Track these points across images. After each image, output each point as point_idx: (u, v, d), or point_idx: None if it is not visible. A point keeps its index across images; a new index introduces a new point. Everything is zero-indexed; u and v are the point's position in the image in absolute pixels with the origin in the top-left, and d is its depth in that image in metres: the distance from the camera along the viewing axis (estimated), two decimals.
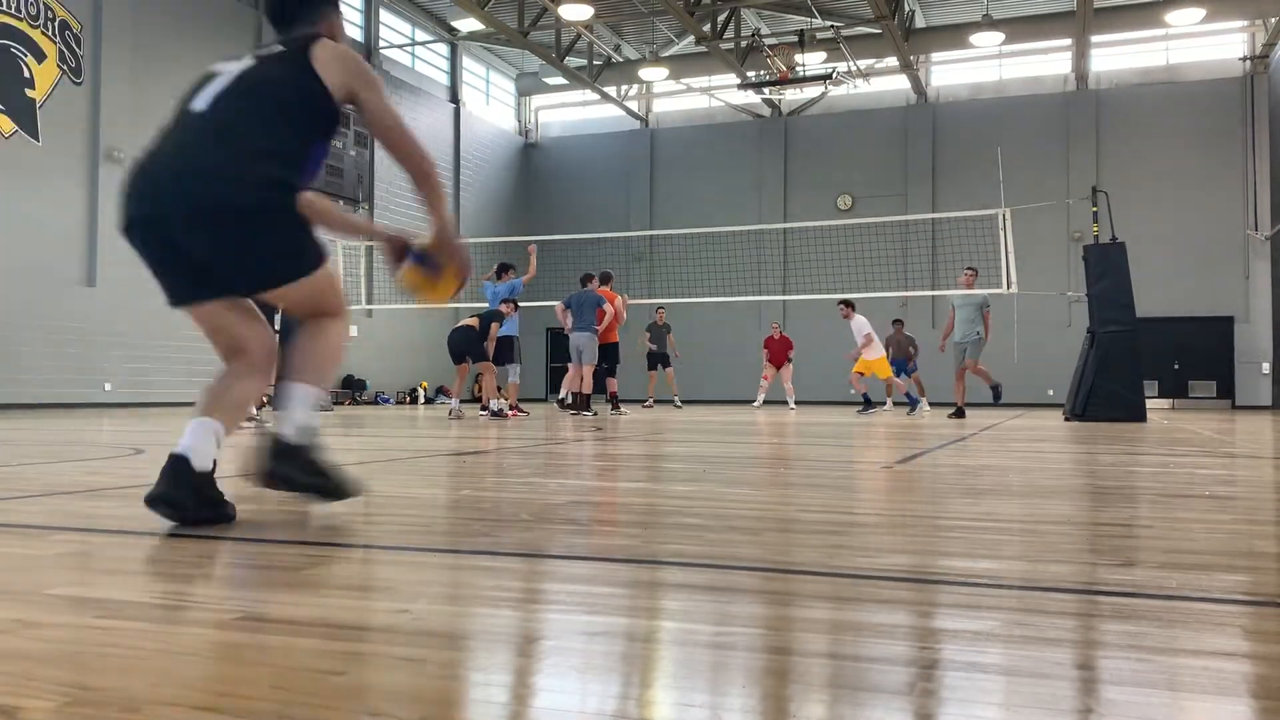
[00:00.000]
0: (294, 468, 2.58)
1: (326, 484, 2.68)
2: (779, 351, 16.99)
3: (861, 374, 15.23)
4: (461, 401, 12.37)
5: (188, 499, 2.39)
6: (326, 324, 2.78)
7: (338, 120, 2.69)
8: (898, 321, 17.15)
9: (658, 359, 16.81)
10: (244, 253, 2.49)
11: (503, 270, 12.46)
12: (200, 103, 2.59)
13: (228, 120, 2.53)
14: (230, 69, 2.69)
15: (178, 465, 2.41)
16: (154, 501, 2.40)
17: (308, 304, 2.75)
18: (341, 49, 2.75)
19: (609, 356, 13.15)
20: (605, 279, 13.36)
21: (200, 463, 2.43)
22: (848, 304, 15.07)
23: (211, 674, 1.19)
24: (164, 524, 2.49)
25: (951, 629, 1.46)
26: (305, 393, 2.68)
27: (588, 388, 12.53)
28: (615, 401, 13.39)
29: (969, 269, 13.04)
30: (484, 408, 11.83)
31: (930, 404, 16.87)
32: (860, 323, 14.97)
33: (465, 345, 11.44)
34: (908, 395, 15.60)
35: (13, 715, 1.02)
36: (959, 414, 12.46)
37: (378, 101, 2.68)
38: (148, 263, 2.55)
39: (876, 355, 15.15)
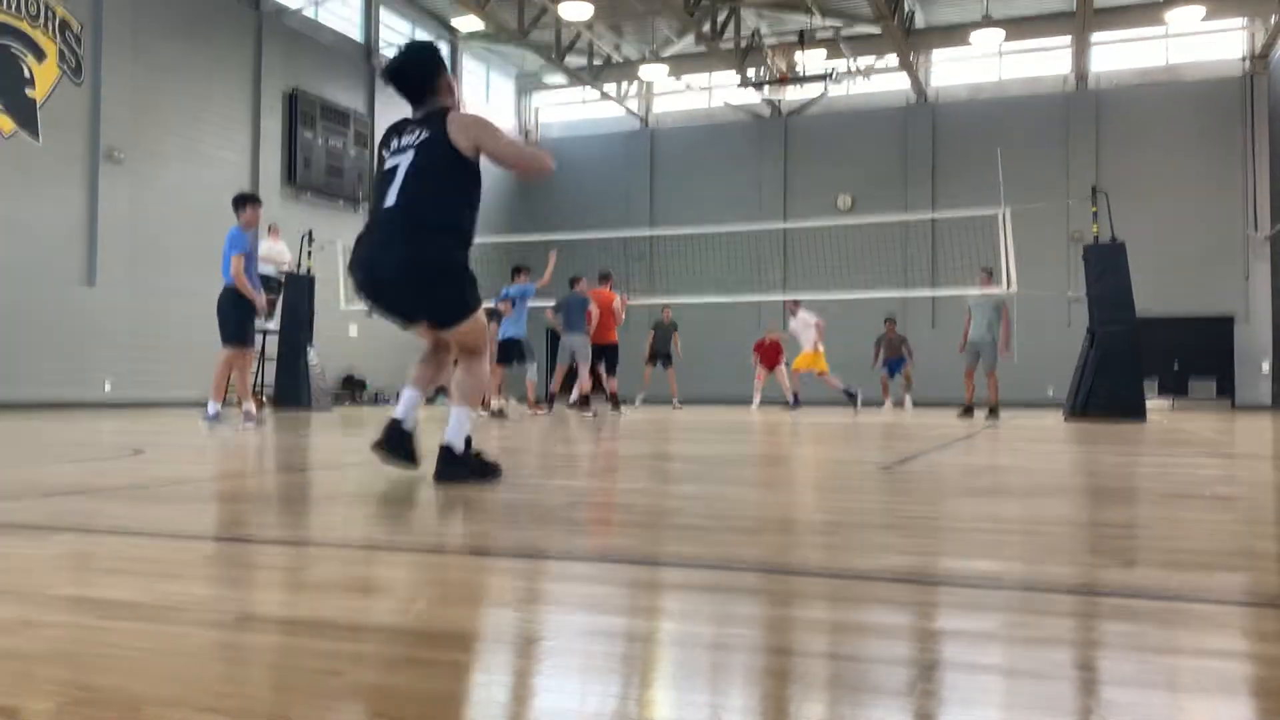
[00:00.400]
0: (458, 470, 3.51)
1: (484, 474, 3.56)
2: (770, 356, 17.01)
3: (798, 370, 15.47)
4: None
5: (463, 474, 3.48)
6: (475, 361, 3.78)
7: (478, 171, 3.71)
8: (889, 320, 17.09)
9: (659, 356, 16.80)
10: (431, 304, 3.67)
11: (516, 272, 12.46)
12: (390, 199, 3.62)
13: (411, 212, 3.59)
14: (403, 162, 3.65)
15: (446, 454, 3.50)
16: (439, 478, 3.47)
17: (467, 339, 3.72)
18: (463, 118, 3.69)
19: (609, 356, 13.13)
20: (604, 278, 13.35)
21: (459, 446, 3.53)
22: (796, 301, 15.78)
23: (211, 674, 1.19)
24: (164, 524, 2.49)
25: (951, 629, 1.46)
26: (463, 413, 3.66)
27: (586, 387, 12.57)
28: (615, 401, 13.38)
29: (984, 269, 13.13)
30: (484, 406, 11.84)
31: (915, 404, 16.86)
32: (805, 317, 15.25)
33: None
34: (846, 392, 15.67)
35: (13, 715, 1.02)
36: (969, 412, 12.50)
37: (493, 145, 3.68)
38: (375, 310, 3.83)
39: (816, 350, 15.49)
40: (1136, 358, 11.53)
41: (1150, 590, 1.72)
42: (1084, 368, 11.68)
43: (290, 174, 19.07)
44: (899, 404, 16.83)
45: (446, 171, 3.63)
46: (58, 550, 2.10)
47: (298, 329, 14.12)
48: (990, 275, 12.93)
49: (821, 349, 15.52)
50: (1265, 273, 21.56)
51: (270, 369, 14.31)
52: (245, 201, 8.24)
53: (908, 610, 1.59)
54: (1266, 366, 21.34)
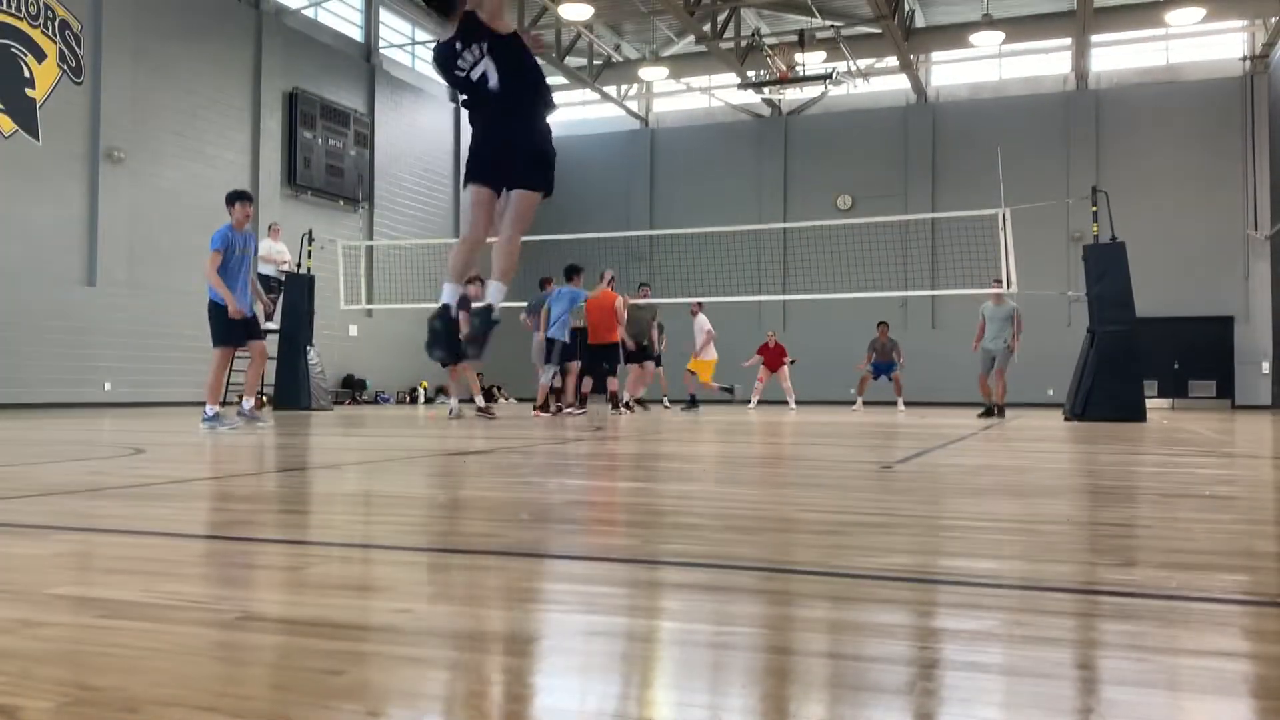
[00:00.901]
0: (483, 320, 4.33)
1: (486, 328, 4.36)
2: (774, 358, 17.12)
3: (693, 373, 15.61)
4: (461, 401, 12.37)
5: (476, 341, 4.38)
6: (518, 238, 4.68)
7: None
8: (882, 324, 17.11)
9: (639, 352, 16.87)
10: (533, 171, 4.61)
11: (570, 274, 12.37)
12: (492, 83, 4.45)
13: (515, 98, 4.50)
14: (484, 67, 4.46)
15: (483, 313, 4.38)
16: (471, 343, 4.39)
17: (524, 213, 4.64)
18: (526, 32, 4.80)
19: (610, 357, 13.12)
20: (606, 279, 13.35)
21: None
22: (699, 304, 16.02)
23: (211, 674, 1.19)
24: (164, 523, 2.49)
25: (951, 629, 1.46)
26: (501, 289, 4.55)
27: (586, 387, 12.62)
28: (615, 401, 13.36)
29: (996, 281, 13.33)
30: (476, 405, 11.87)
31: (909, 404, 16.84)
32: (702, 321, 15.38)
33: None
34: (723, 388, 15.75)
35: (13, 715, 1.02)
36: (990, 413, 12.68)
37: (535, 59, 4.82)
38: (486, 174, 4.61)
39: (710, 357, 15.65)
40: (1136, 358, 11.53)
41: (1150, 590, 1.72)
42: (1084, 368, 11.68)
43: (290, 174, 19.07)
44: (892, 403, 16.80)
45: None
46: (58, 550, 2.10)
47: (298, 329, 14.13)
48: (1002, 285, 13.24)
49: (708, 357, 15.71)
50: (1265, 273, 21.56)
51: (270, 369, 14.32)
52: (236, 199, 8.04)
53: (908, 610, 1.59)
54: (1266, 366, 21.34)
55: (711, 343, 15.85)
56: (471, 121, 4.63)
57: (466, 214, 4.89)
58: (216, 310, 7.86)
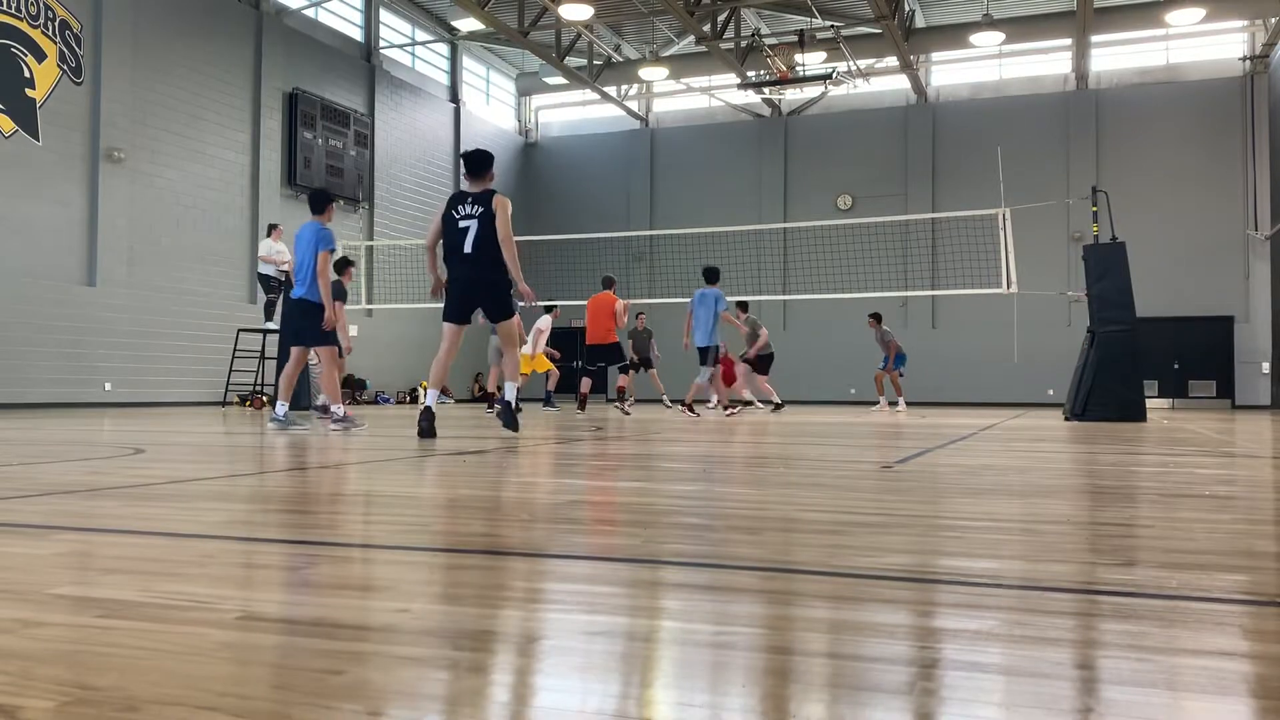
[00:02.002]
0: (509, 418, 6.73)
1: (514, 428, 6.71)
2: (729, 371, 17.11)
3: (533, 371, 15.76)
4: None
5: (513, 424, 6.77)
6: (512, 350, 6.90)
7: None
8: (872, 316, 16.73)
9: (641, 363, 17.03)
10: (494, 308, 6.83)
11: (710, 277, 12.42)
12: (467, 244, 6.51)
13: (480, 257, 6.53)
14: (472, 226, 6.51)
15: (506, 408, 6.79)
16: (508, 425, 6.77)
17: (509, 335, 6.87)
18: (501, 199, 6.65)
19: (610, 356, 13.16)
20: (608, 283, 13.40)
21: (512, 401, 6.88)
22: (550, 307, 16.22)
23: (211, 674, 1.19)
24: (164, 523, 2.49)
25: (951, 629, 1.46)
26: (513, 387, 6.83)
27: (585, 388, 12.70)
28: (621, 395, 13.46)
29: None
30: (489, 405, 11.91)
31: (906, 404, 16.72)
32: (544, 320, 15.48)
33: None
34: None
35: (13, 715, 1.02)
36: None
37: (505, 219, 6.56)
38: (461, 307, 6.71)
39: (536, 352, 15.77)
40: (1136, 358, 11.53)
41: (1150, 590, 1.72)
42: (1084, 368, 11.68)
43: (290, 174, 19.07)
44: (893, 403, 16.71)
45: (493, 233, 6.62)
46: (57, 550, 2.10)
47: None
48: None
49: (540, 351, 15.74)
50: (1265, 273, 21.57)
51: (270, 369, 14.32)
52: (331, 199, 8.03)
53: (908, 610, 1.59)
54: (1266, 366, 21.34)
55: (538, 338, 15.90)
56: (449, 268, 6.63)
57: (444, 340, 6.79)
58: (317, 310, 7.74)
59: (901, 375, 16.46)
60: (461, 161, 6.66)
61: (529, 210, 26.59)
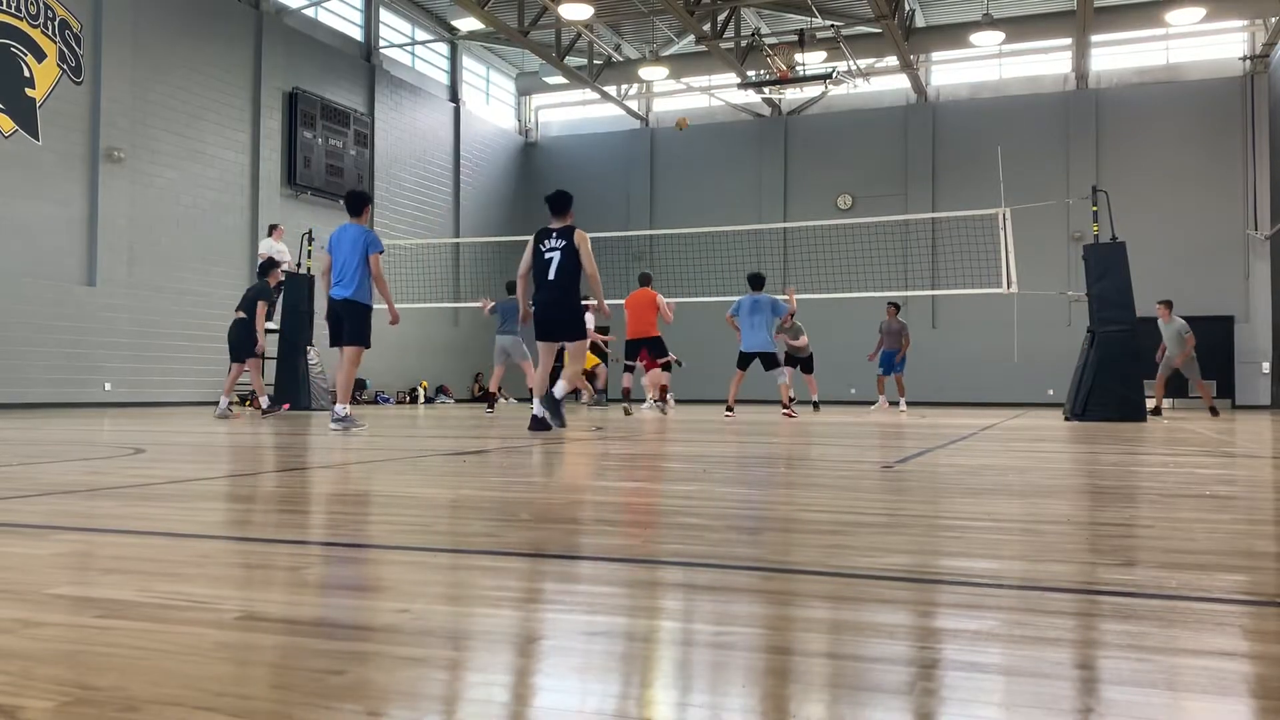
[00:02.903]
0: (555, 412, 7.32)
1: (544, 429, 7.17)
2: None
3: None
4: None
5: (557, 412, 7.43)
6: (575, 366, 7.67)
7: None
8: (891, 304, 16.46)
9: (602, 358, 17.33)
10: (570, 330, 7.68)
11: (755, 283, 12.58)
12: (550, 273, 7.38)
13: (559, 283, 7.44)
14: (555, 256, 7.32)
15: (550, 397, 7.42)
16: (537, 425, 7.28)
17: (577, 353, 7.82)
18: (581, 234, 7.47)
19: (653, 349, 13.11)
20: (645, 280, 13.39)
21: (559, 395, 7.52)
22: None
23: (211, 674, 1.19)
24: (164, 523, 2.49)
25: (951, 629, 1.46)
26: (565, 387, 7.48)
27: (627, 382, 12.78)
28: (663, 394, 13.45)
29: (1161, 303, 14.50)
30: (489, 405, 11.87)
31: (907, 404, 16.62)
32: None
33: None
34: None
35: (13, 715, 1.02)
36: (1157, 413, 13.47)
37: (588, 252, 7.43)
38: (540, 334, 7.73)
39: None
40: (1136, 358, 11.53)
41: (1150, 590, 1.72)
42: (1084, 368, 11.68)
43: (290, 174, 19.07)
44: (894, 403, 16.64)
45: (575, 265, 7.46)
46: (57, 550, 2.10)
47: (298, 329, 14.13)
48: (1169, 307, 14.54)
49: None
50: (1265, 273, 21.57)
51: (270, 369, 14.32)
52: (367, 200, 8.11)
53: (908, 610, 1.59)
54: (1267, 367, 21.34)
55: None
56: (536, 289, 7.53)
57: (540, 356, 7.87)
58: (366, 311, 7.86)
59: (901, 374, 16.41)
60: (546, 202, 7.56)
61: (529, 210, 26.57)
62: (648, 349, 13.12)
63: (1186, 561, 2.01)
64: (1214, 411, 14.21)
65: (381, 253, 8.01)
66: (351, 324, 7.91)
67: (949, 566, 1.99)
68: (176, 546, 2.19)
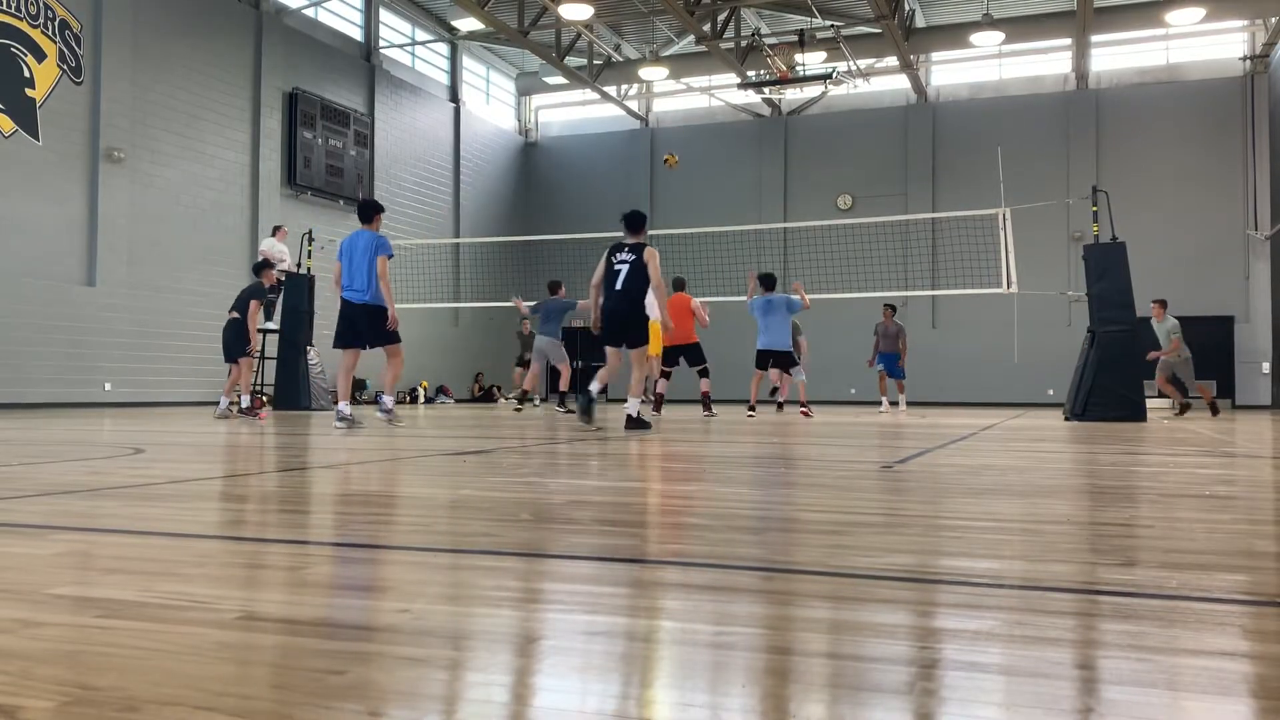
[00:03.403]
0: (634, 426, 7.66)
1: (644, 430, 7.54)
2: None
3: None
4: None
5: (639, 425, 7.74)
6: (640, 371, 8.07)
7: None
8: (888, 307, 16.19)
9: (523, 364, 17.49)
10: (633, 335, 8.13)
11: (767, 284, 12.68)
12: (618, 283, 7.88)
13: (625, 293, 7.92)
14: (624, 268, 7.87)
15: (629, 418, 7.87)
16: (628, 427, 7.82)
17: (640, 359, 8.21)
18: (651, 251, 7.92)
19: (690, 355, 12.93)
20: (679, 284, 13.24)
21: (633, 413, 7.93)
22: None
23: (211, 674, 1.19)
24: (164, 523, 2.49)
25: (951, 629, 1.46)
26: (636, 400, 7.97)
27: (662, 388, 12.61)
28: (707, 402, 13.01)
29: (1156, 301, 14.48)
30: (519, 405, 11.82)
31: (907, 404, 16.48)
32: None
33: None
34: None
35: (13, 715, 1.02)
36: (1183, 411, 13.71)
37: (655, 268, 7.87)
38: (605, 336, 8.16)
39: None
40: (1137, 358, 11.53)
41: (1150, 590, 1.72)
42: (1084, 368, 11.68)
43: (290, 174, 19.07)
44: (894, 404, 16.54)
45: (644, 278, 7.90)
46: (57, 550, 2.10)
47: (298, 329, 14.12)
48: (1164, 306, 14.53)
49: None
50: (1265, 273, 21.57)
51: (270, 368, 14.32)
52: (379, 209, 8.57)
53: (908, 610, 1.59)
54: (1267, 367, 21.34)
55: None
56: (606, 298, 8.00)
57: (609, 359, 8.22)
58: (383, 313, 8.26)
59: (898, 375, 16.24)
60: (623, 219, 8.12)
61: (529, 210, 26.59)
62: (686, 356, 12.96)
63: (1186, 561, 2.01)
64: (1214, 409, 14.20)
65: (390, 256, 8.30)
66: (378, 328, 8.31)
67: (949, 566, 1.99)
68: (177, 546, 2.19)
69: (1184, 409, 14.07)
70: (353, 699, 1.08)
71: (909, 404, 16.71)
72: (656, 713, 1.09)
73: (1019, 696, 1.12)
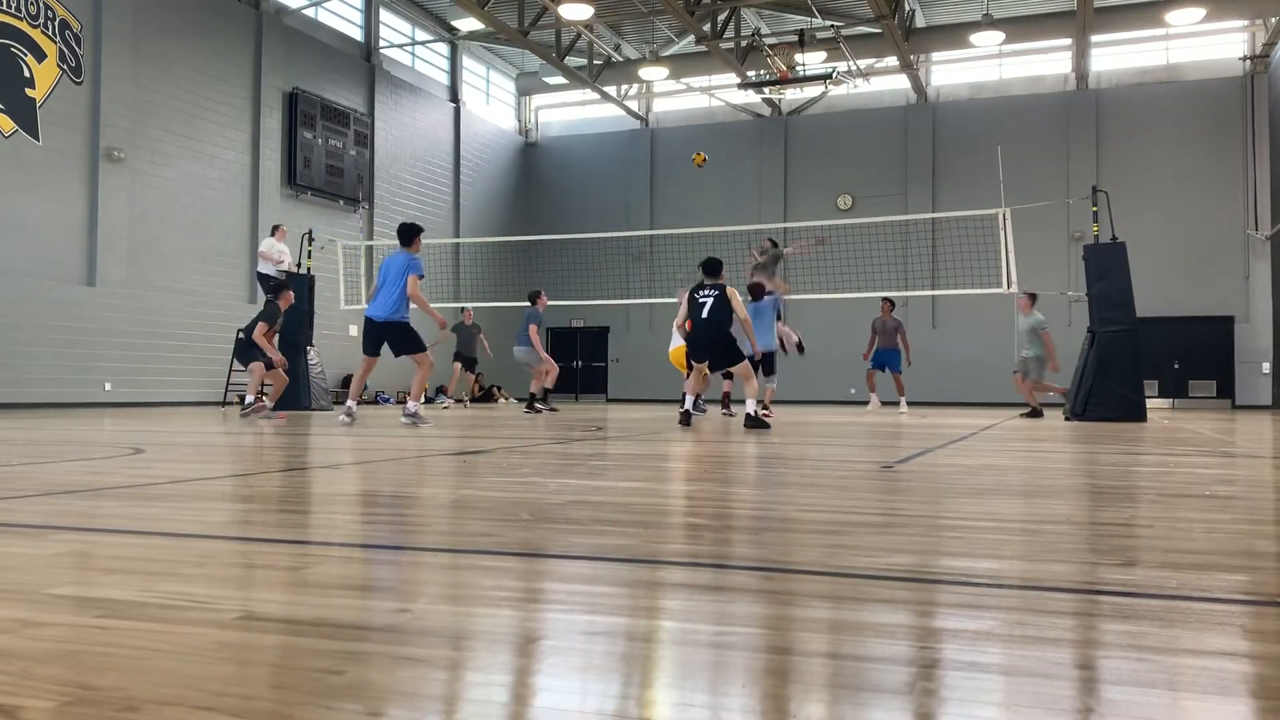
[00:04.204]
0: (753, 424, 8.38)
1: (762, 427, 8.30)
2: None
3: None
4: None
5: (757, 425, 8.43)
6: (750, 383, 9.13)
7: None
8: (886, 301, 15.87)
9: (465, 363, 17.47)
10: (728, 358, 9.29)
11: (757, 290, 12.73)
12: (704, 313, 9.09)
13: (712, 321, 9.08)
14: (709, 301, 9.09)
15: (748, 418, 8.65)
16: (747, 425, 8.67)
17: (744, 372, 9.27)
18: (732, 290, 9.19)
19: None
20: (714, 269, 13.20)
21: (752, 412, 8.74)
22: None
23: (211, 674, 1.19)
24: (164, 523, 2.49)
25: (951, 629, 1.46)
26: (753, 402, 8.90)
27: (727, 386, 12.59)
28: (726, 401, 12.89)
29: (1024, 294, 13.51)
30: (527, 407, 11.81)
31: (908, 404, 16.30)
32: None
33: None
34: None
35: (13, 715, 1.02)
36: (1033, 414, 12.80)
37: (739, 305, 9.20)
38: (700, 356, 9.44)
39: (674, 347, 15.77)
40: (1137, 358, 11.52)
41: (1150, 590, 1.72)
42: (1084, 368, 11.68)
43: (290, 174, 19.07)
44: (894, 404, 16.42)
45: (727, 314, 9.01)
46: (57, 550, 2.10)
47: (298, 329, 14.11)
48: (1031, 300, 13.52)
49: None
50: (1265, 273, 21.56)
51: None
52: (418, 231, 9.14)
53: (908, 610, 1.59)
54: (1266, 366, 21.33)
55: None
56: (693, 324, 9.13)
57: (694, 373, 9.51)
58: (408, 325, 8.90)
59: (894, 371, 15.98)
60: (701, 266, 9.27)
61: (529, 210, 26.57)
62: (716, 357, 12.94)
63: (1186, 561, 2.01)
64: (1036, 413, 12.93)
65: (421, 277, 8.87)
66: (400, 340, 8.93)
67: (949, 566, 1.99)
68: (177, 546, 2.19)
69: (1035, 413, 12.90)
70: (352, 699, 1.08)
71: (909, 404, 16.65)
72: (656, 713, 1.09)
73: (1019, 696, 1.12)
